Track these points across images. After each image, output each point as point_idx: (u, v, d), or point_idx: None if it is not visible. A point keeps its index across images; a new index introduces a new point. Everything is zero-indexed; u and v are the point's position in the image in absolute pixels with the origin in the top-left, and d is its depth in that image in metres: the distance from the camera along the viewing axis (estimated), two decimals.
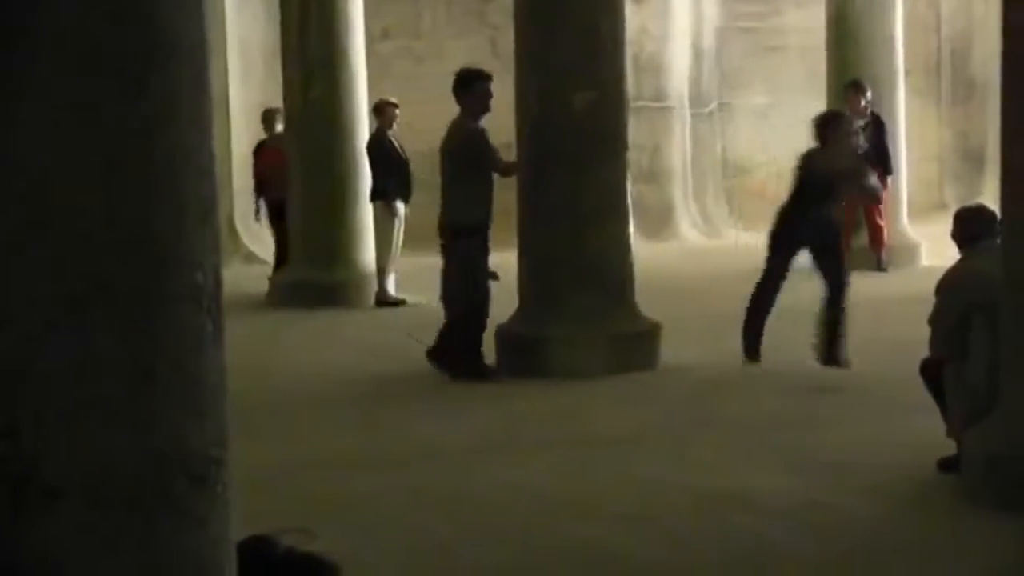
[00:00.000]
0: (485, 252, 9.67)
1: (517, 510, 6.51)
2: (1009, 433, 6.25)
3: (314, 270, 13.53)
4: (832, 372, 9.59)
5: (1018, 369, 6.27)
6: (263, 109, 15.31)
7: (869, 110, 14.97)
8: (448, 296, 9.90)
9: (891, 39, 15.58)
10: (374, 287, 13.51)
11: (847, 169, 10.35)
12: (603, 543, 5.99)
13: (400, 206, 13.46)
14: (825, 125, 10.21)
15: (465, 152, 9.65)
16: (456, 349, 9.69)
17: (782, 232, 10.00)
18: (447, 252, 9.87)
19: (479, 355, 9.67)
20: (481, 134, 9.70)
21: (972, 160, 19.44)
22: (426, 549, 5.97)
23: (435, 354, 9.85)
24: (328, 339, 11.68)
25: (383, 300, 13.40)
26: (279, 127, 14.59)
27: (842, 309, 9.90)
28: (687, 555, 5.82)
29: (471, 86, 9.68)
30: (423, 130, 15.42)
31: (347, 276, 13.60)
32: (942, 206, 17.94)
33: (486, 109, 9.69)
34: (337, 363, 10.53)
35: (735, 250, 17.47)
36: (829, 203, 10.03)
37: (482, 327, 9.70)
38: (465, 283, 9.65)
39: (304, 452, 7.75)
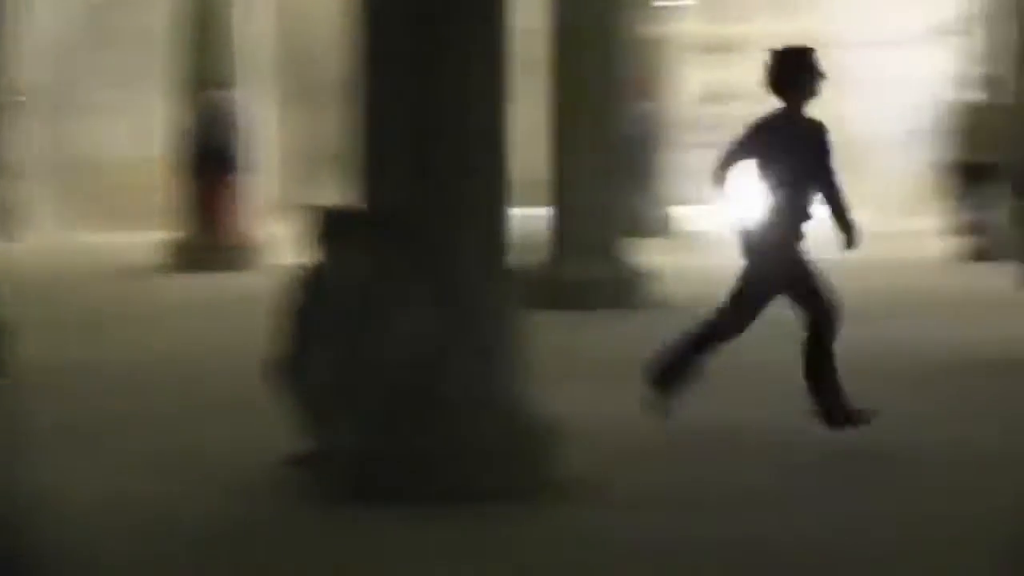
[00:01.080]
0: None
1: None
2: (358, 429, 6.47)
3: None
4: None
5: (361, 366, 6.48)
6: None
7: (224, 108, 15.32)
8: None
9: (238, 42, 15.86)
10: None
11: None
12: None
13: None
14: (788, 64, 7.27)
15: None
16: None
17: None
18: None
19: None
20: None
21: (320, 160, 19.92)
22: None
23: None
24: None
25: None
26: None
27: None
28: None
29: None
30: None
31: None
32: (289, 206, 18.31)
33: None
34: None
35: (86, 250, 17.14)
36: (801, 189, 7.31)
37: None
38: None
39: None
